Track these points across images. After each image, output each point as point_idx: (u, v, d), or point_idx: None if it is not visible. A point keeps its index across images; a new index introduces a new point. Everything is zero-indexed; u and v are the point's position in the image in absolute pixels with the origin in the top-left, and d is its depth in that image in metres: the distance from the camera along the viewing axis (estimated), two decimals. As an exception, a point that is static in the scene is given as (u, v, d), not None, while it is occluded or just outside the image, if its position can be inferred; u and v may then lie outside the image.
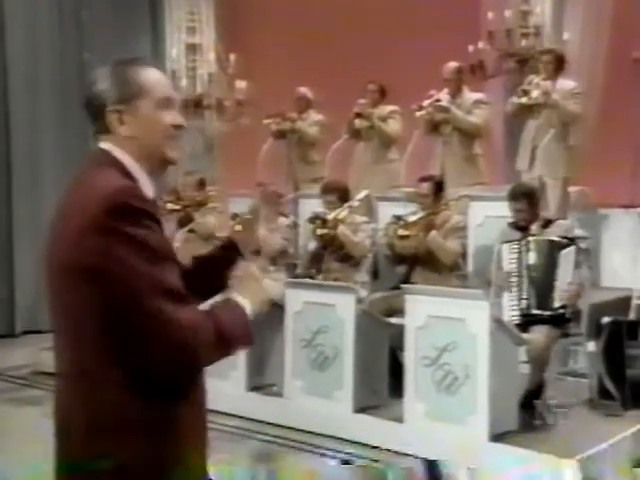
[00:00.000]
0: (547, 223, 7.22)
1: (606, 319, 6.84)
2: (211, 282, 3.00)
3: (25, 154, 11.59)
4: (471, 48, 10.62)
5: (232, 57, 12.15)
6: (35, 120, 11.75)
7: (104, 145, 2.67)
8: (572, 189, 9.62)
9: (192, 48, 12.68)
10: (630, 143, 9.61)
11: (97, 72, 2.76)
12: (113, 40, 12.21)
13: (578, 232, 9.41)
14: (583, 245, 9.40)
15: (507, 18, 10.93)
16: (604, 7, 11.23)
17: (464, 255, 8.15)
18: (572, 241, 7.04)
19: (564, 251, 6.94)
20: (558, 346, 7.55)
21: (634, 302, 8.26)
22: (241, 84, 11.99)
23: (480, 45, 10.71)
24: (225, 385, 7.49)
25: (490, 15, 10.86)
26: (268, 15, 13.28)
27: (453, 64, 9.62)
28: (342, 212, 8.02)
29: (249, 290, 2.78)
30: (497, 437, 6.12)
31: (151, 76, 2.75)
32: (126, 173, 2.65)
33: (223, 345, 2.62)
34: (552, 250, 7.01)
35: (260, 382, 7.74)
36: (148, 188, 2.68)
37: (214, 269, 3.02)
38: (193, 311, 2.54)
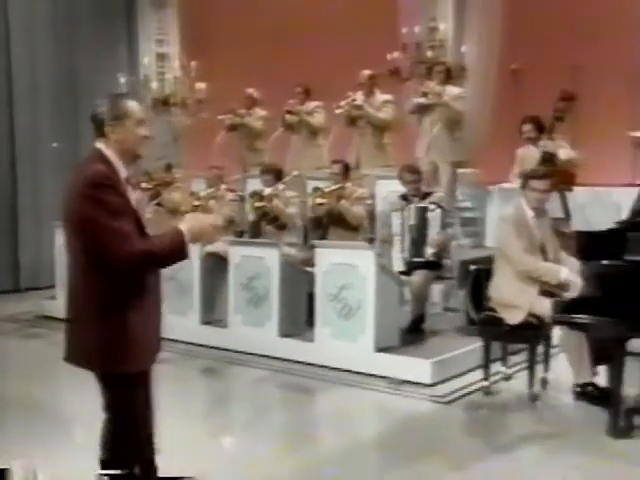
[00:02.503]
0: (425, 195, 8.52)
1: (472, 267, 7.88)
2: None
3: (27, 145, 12.58)
4: (389, 57, 11.18)
5: (193, 64, 12.70)
6: (35, 117, 12.69)
7: (99, 145, 3.93)
8: (463, 171, 10.77)
9: (161, 56, 13.33)
10: (513, 136, 9.96)
11: (100, 101, 3.95)
12: (97, 50, 13.09)
13: (466, 204, 10.89)
14: (470, 214, 10.85)
15: (417, 33, 11.69)
16: (494, 26, 12.09)
17: (371, 219, 9.34)
18: (439, 207, 8.31)
19: (432, 214, 8.28)
20: (444, 290, 9.11)
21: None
22: (201, 86, 12.57)
23: (396, 54, 11.24)
24: (184, 320, 8.99)
25: (404, 30, 11.64)
26: (223, 29, 13.73)
27: (366, 72, 10.65)
28: (276, 189, 9.14)
29: (190, 222, 3.90)
30: (381, 349, 7.61)
31: (132, 105, 4.00)
32: (109, 163, 3.90)
33: (161, 254, 3.82)
34: (424, 214, 8.31)
35: (211, 318, 9.11)
36: (123, 172, 3.93)
37: None
38: (136, 235, 3.77)
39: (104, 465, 4.05)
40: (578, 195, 9.33)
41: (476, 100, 11.83)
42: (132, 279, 3.84)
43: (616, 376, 5.96)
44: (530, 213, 6.86)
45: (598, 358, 6.51)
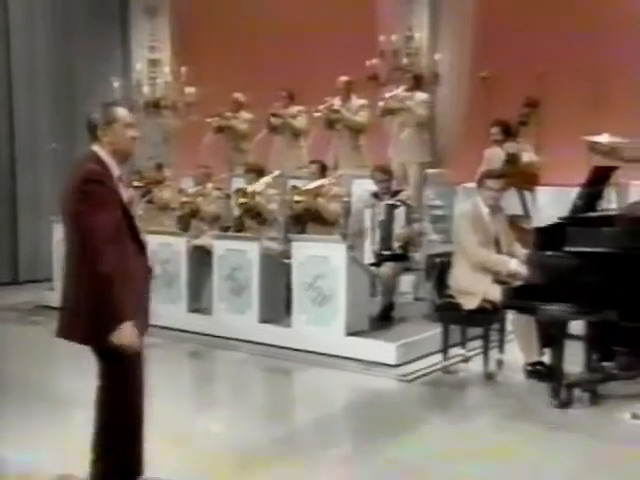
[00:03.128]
0: (395, 193, 9.05)
1: (437, 260, 8.26)
2: None
3: (26, 144, 12.97)
4: (368, 63, 11.48)
5: (183, 69, 12.96)
6: (34, 117, 13.09)
7: (94, 147, 4.42)
8: (433, 171, 11.18)
9: (152, 62, 13.56)
10: (482, 138, 10.29)
11: (94, 109, 4.45)
12: (93, 55, 13.43)
13: (436, 202, 11.40)
14: (439, 212, 11.35)
15: (394, 41, 12.06)
16: (466, 35, 12.45)
17: (347, 215, 9.74)
18: (405, 204, 8.86)
19: (397, 210, 8.82)
20: (415, 281, 9.62)
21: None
22: (190, 90, 12.84)
23: (374, 61, 11.59)
24: (173, 308, 9.52)
25: (382, 38, 11.99)
26: (212, 37, 13.76)
27: (343, 78, 11.06)
28: (259, 186, 9.57)
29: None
30: (351, 334, 8.18)
31: (121, 111, 4.51)
32: (102, 163, 4.38)
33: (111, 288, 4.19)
34: (391, 210, 8.85)
35: (197, 306, 9.63)
36: (116, 171, 4.41)
37: None
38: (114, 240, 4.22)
39: (95, 435, 4.50)
40: (541, 194, 9.79)
41: (448, 105, 12.31)
42: (118, 265, 4.26)
43: (557, 355, 6.57)
44: (485, 210, 7.43)
45: (546, 340, 7.10)
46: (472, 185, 9.38)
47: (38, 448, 5.52)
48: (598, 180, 7.28)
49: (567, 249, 6.54)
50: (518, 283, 6.98)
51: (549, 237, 6.86)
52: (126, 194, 4.57)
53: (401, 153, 10.78)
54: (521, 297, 6.75)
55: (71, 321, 4.42)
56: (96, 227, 4.21)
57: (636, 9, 11.64)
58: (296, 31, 13.35)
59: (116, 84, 12.73)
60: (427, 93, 11.31)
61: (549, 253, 6.64)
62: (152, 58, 13.66)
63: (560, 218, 6.93)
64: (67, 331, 4.44)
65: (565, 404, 6.51)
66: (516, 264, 7.15)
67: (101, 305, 4.24)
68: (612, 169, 7.55)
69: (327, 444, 5.97)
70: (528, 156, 9.31)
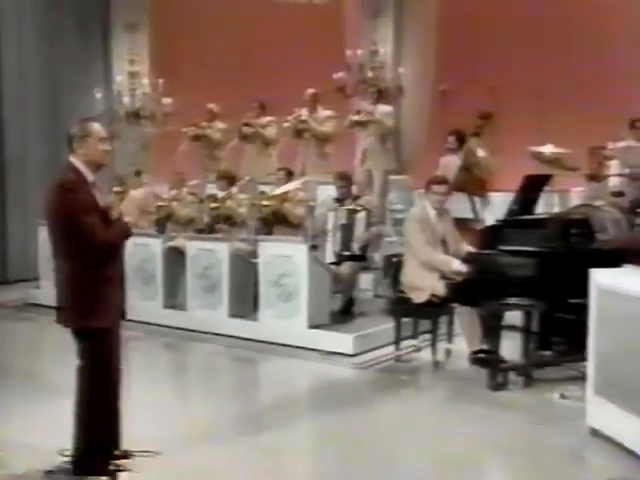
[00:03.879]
0: (356, 198, 9.65)
1: (394, 259, 8.63)
2: None
3: (15, 151, 13.29)
4: (335, 76, 11.98)
5: (161, 81, 13.23)
6: (22, 125, 13.43)
7: (71, 158, 4.97)
8: (395, 177, 11.79)
9: (132, 74, 13.89)
10: (441, 147, 10.77)
11: (73, 126, 5.00)
12: (77, 68, 13.76)
13: (397, 206, 11.99)
14: (400, 215, 11.90)
15: (360, 55, 12.60)
16: (428, 51, 13.13)
17: (313, 218, 10.20)
18: (365, 209, 9.44)
19: (358, 215, 9.43)
20: (375, 279, 10.16)
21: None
22: (167, 101, 13.10)
23: (341, 74, 12.10)
24: (150, 304, 10.07)
25: (348, 52, 12.47)
26: (188, 51, 14.18)
27: (310, 90, 11.62)
28: (230, 192, 10.07)
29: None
30: (313, 327, 8.77)
31: (95, 127, 5.04)
32: (78, 172, 4.93)
33: (113, 238, 4.93)
34: (352, 215, 9.45)
35: (172, 302, 10.15)
36: (90, 178, 4.95)
37: None
38: (100, 227, 4.84)
39: (75, 410, 5.06)
40: (494, 199, 10.29)
41: (412, 116, 12.96)
42: (97, 260, 4.92)
43: (494, 343, 7.23)
44: (432, 212, 8.01)
45: (487, 330, 7.72)
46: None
47: (32, 428, 6.06)
48: (532, 187, 7.90)
49: (502, 248, 7.22)
50: (460, 279, 7.59)
51: (488, 237, 7.53)
52: (102, 198, 5.11)
53: (366, 161, 11.41)
54: (462, 291, 7.41)
55: (59, 308, 5.08)
56: (83, 223, 4.83)
57: (578, 32, 12.34)
58: (268, 45, 13.77)
59: (98, 95, 13.14)
60: (392, 105, 11.96)
61: (487, 252, 7.30)
62: (132, 71, 14.00)
63: (497, 220, 7.59)
64: (57, 317, 5.09)
65: (501, 386, 7.14)
66: (459, 264, 7.65)
67: (80, 293, 4.91)
68: (547, 177, 8.17)
69: (287, 421, 6.55)
70: (485, 159, 9.87)
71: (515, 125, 11.49)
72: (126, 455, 5.28)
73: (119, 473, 5.13)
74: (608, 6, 11.07)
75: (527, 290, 7.08)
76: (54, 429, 5.51)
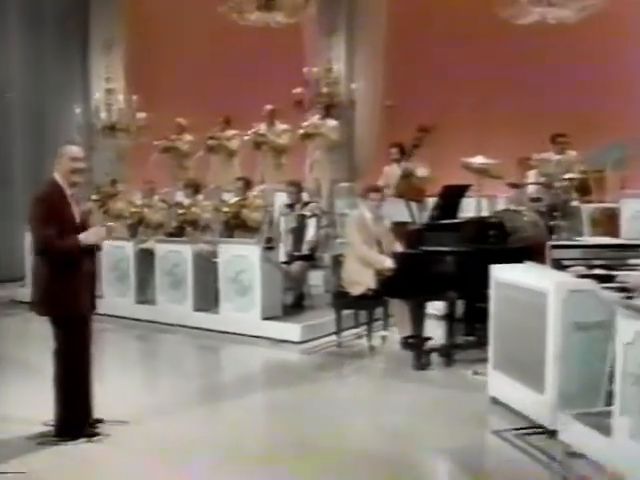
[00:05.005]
0: (305, 204, 10.56)
1: (340, 258, 9.38)
2: None
3: (3, 161, 13.81)
4: (294, 91, 12.66)
5: (134, 97, 13.73)
6: (8, 138, 13.92)
7: (54, 174, 5.85)
8: (343, 184, 12.58)
9: (109, 91, 14.27)
10: (386, 157, 11.77)
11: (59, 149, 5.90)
12: (59, 87, 14.40)
13: (345, 211, 12.73)
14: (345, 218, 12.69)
15: (316, 72, 13.33)
16: (378, 68, 13.94)
17: (271, 222, 10.94)
18: (314, 214, 10.38)
19: (308, 220, 10.35)
20: (325, 277, 11.04)
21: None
22: (141, 115, 13.62)
23: (299, 89, 12.82)
24: (123, 300, 10.95)
25: (306, 69, 13.23)
26: (159, 69, 14.65)
27: (268, 106, 12.50)
28: (196, 199, 11.02)
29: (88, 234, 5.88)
30: (266, 318, 9.69)
31: (69, 148, 5.93)
32: (57, 185, 5.83)
33: (66, 248, 5.73)
34: (303, 219, 10.38)
35: (143, 298, 11.02)
36: (68, 191, 5.83)
37: None
38: (57, 236, 5.68)
39: (54, 386, 5.92)
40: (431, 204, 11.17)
41: (362, 128, 13.81)
42: (66, 259, 5.80)
43: (417, 328, 8.19)
44: (369, 216, 8.92)
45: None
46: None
47: (19, 403, 6.96)
48: (451, 195, 8.85)
49: (422, 248, 8.20)
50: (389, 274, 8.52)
51: (412, 239, 8.50)
52: (77, 210, 5.98)
53: (315, 170, 12.36)
54: (389, 286, 8.37)
55: (35, 300, 6.00)
56: (42, 235, 5.74)
57: (517, 51, 13.07)
58: (233, 65, 14.43)
59: (78, 110, 13.87)
60: (343, 119, 12.82)
61: (410, 251, 8.28)
62: (108, 88, 14.40)
63: (420, 224, 8.57)
64: (35, 307, 5.99)
65: (425, 366, 8.13)
66: (389, 262, 8.48)
67: (53, 285, 5.79)
68: (465, 187, 9.11)
69: (243, 395, 7.52)
70: (421, 171, 10.79)
71: (456, 138, 12.43)
72: (99, 422, 6.18)
73: (95, 437, 6.03)
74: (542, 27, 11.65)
75: (445, 284, 8.05)
76: (38, 404, 6.34)
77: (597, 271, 6.92)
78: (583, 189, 10.99)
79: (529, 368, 6.40)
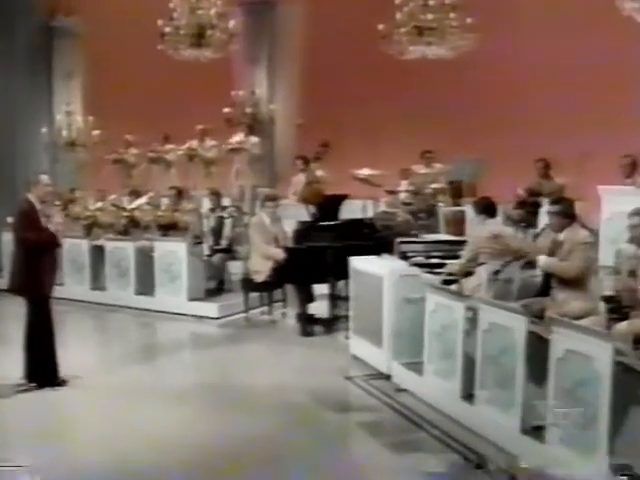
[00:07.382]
0: (224, 208, 12.15)
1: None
2: None
3: None
4: (224, 110, 14.21)
5: (90, 118, 14.79)
6: None
7: (28, 195, 7.51)
8: (263, 190, 13.47)
9: (69, 113, 15.25)
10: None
11: (30, 176, 7.69)
12: (27, 108, 15.19)
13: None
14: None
15: (242, 95, 14.93)
16: (292, 92, 15.51)
17: (201, 223, 12.48)
18: (231, 216, 12.00)
19: (226, 220, 11.97)
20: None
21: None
22: (96, 133, 14.56)
23: (228, 109, 14.42)
24: (80, 287, 12.46)
25: (233, 93, 14.81)
26: (111, 95, 14.96)
27: (200, 126, 13.87)
28: (137, 204, 12.52)
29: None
30: (192, 299, 11.32)
31: (41, 177, 7.66)
32: (30, 203, 7.49)
33: (39, 240, 7.45)
34: (221, 220, 12.02)
35: (96, 285, 12.50)
36: (39, 207, 7.50)
37: None
38: (34, 234, 7.45)
39: (25, 350, 7.55)
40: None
41: (280, 142, 15.53)
42: (37, 252, 7.49)
43: (301, 305, 9.99)
44: (267, 219, 10.64)
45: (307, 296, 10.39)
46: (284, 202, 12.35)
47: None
48: (332, 203, 10.58)
49: (305, 243, 10.04)
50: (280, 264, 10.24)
51: (298, 236, 10.32)
52: (44, 219, 7.62)
53: (240, 178, 13.88)
54: (280, 273, 10.18)
55: (13, 283, 7.70)
56: (23, 234, 7.50)
57: (397, 83, 14.52)
58: (173, 90, 15.33)
59: (43, 130, 14.86)
60: (265, 133, 14.47)
61: (295, 246, 10.11)
62: (68, 110, 15.35)
63: (300, 222, 10.33)
64: (12, 287, 7.68)
65: (309, 334, 9.89)
66: (282, 255, 10.20)
67: (26, 274, 7.46)
68: (343, 196, 10.84)
69: (171, 356, 9.46)
70: (320, 172, 12.59)
71: (352, 152, 13.95)
72: (64, 382, 7.81)
73: (61, 386, 7.71)
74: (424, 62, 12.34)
75: (323, 271, 9.79)
76: (15, 363, 7.75)
77: (432, 260, 8.86)
78: (455, 194, 12.77)
79: (374, 332, 8.25)
